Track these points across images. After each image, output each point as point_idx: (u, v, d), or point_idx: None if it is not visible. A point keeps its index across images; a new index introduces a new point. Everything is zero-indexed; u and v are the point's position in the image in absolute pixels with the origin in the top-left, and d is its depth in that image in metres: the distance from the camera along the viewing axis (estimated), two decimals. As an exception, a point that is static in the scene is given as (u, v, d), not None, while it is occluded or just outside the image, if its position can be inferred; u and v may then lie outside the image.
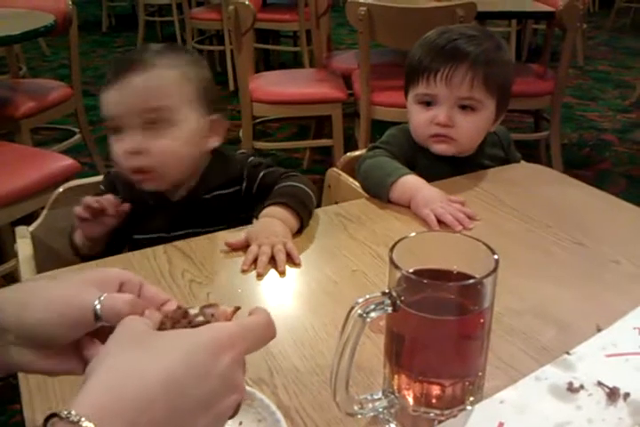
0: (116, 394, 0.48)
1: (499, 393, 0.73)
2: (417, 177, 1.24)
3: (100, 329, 0.60)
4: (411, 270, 0.65)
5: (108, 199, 1.18)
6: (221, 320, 0.58)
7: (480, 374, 0.70)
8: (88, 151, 3.05)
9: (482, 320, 0.67)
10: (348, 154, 1.50)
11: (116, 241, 1.28)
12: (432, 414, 0.69)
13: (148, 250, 1.09)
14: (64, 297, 0.60)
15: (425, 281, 0.64)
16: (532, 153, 3.18)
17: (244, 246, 1.08)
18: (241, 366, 0.55)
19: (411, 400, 0.70)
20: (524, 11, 3.12)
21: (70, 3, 2.82)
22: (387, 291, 0.66)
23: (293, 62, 5.18)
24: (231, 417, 0.54)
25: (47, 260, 1.21)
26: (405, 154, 1.35)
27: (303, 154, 3.50)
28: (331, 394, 0.67)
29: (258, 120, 3.14)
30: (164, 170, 1.18)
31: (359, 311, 0.64)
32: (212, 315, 0.58)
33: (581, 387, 0.73)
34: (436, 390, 0.68)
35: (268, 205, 1.16)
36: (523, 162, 1.46)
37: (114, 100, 1.15)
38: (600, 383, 0.73)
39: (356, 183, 1.33)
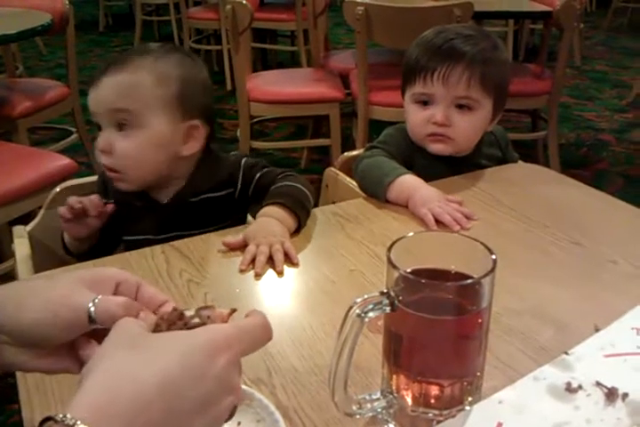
0: (111, 396, 0.47)
1: (497, 393, 0.73)
2: (415, 177, 1.24)
3: (97, 331, 0.60)
4: (409, 270, 0.65)
5: (92, 200, 1.19)
6: (217, 322, 0.58)
7: (478, 374, 0.70)
8: (85, 151, 3.04)
9: (480, 320, 0.67)
10: (346, 153, 1.50)
11: (108, 241, 1.29)
12: (430, 415, 0.69)
13: (146, 250, 1.09)
14: (58, 297, 0.59)
15: (423, 281, 0.64)
16: (529, 153, 3.18)
17: (241, 246, 1.08)
18: (237, 368, 0.54)
19: (409, 400, 0.70)
20: (521, 10, 3.11)
21: (67, 2, 2.81)
22: (385, 291, 0.66)
23: (291, 62, 5.18)
24: (227, 419, 0.54)
25: (44, 259, 1.21)
26: (403, 154, 1.35)
27: (301, 153, 3.50)
28: (329, 394, 0.67)
29: (255, 120, 3.14)
30: (126, 171, 1.18)
31: (357, 311, 0.64)
32: (208, 317, 0.58)
33: (580, 387, 0.73)
34: (434, 390, 0.68)
35: (266, 204, 1.16)
36: (520, 162, 1.46)
37: (92, 97, 1.17)
38: (598, 384, 0.73)
39: (354, 183, 1.33)
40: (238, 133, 3.02)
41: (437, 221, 1.14)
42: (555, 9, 2.69)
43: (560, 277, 1.00)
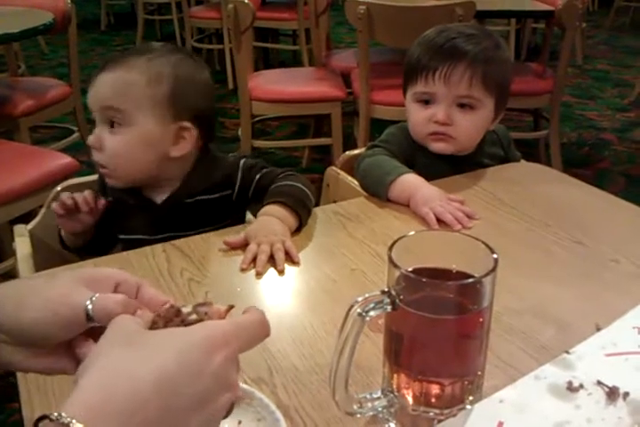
0: (107, 394, 0.47)
1: (498, 392, 0.73)
2: (416, 176, 1.24)
3: (96, 329, 0.60)
4: (410, 269, 0.65)
5: (83, 196, 1.20)
6: (215, 319, 0.58)
7: (479, 373, 0.70)
8: (86, 149, 3.02)
9: (481, 319, 0.67)
10: (347, 153, 1.50)
11: (105, 238, 1.29)
12: (431, 414, 0.69)
13: (147, 249, 1.09)
14: (58, 296, 0.59)
15: (424, 280, 0.63)
16: (531, 152, 3.17)
17: (242, 245, 1.08)
18: (234, 365, 0.54)
19: (410, 399, 0.69)
20: (524, 10, 3.11)
21: (69, 1, 2.82)
22: (386, 290, 0.66)
23: (292, 61, 5.17)
24: (226, 416, 0.54)
25: (45, 258, 1.21)
26: (404, 153, 1.35)
27: (302, 153, 3.50)
28: (330, 393, 0.67)
29: (257, 119, 3.14)
30: (115, 168, 1.19)
31: (358, 310, 0.64)
32: (206, 313, 0.58)
33: (581, 386, 0.73)
34: (435, 389, 0.68)
35: (267, 203, 1.16)
36: (522, 161, 1.46)
37: (89, 94, 1.18)
38: (599, 383, 0.73)
39: (355, 182, 1.33)
40: (240, 132, 3.02)
41: (439, 221, 1.14)
42: (557, 8, 2.68)
43: (561, 277, 1.00)
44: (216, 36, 5.20)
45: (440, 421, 0.69)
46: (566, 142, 3.71)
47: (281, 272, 1.02)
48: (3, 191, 1.96)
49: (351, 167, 1.37)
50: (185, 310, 0.58)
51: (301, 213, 1.14)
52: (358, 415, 0.71)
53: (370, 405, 0.71)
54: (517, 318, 0.88)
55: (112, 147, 1.17)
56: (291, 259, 1.05)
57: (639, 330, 0.83)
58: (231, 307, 0.60)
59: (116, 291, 0.62)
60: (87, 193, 1.22)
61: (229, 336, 0.54)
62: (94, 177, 1.34)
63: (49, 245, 1.29)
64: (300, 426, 0.71)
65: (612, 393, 0.71)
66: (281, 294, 0.99)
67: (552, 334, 0.85)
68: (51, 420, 0.46)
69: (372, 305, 0.64)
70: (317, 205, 1.26)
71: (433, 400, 0.69)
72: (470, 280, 0.65)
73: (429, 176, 1.26)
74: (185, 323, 0.57)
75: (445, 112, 1.29)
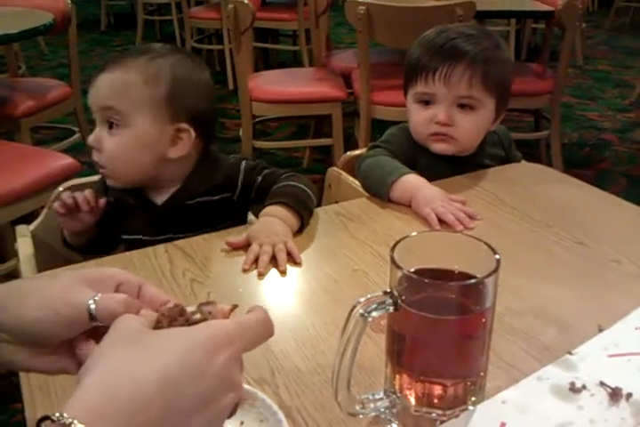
0: (109, 395, 0.47)
1: (500, 393, 0.73)
2: (418, 176, 1.24)
3: (97, 329, 0.60)
4: (412, 270, 0.65)
5: (84, 196, 1.21)
6: (219, 318, 0.58)
7: (482, 374, 0.70)
8: (87, 150, 3.01)
9: (483, 320, 0.67)
10: (349, 153, 1.50)
11: (107, 237, 1.30)
12: (434, 415, 0.69)
13: (149, 249, 1.09)
14: (59, 295, 0.59)
15: (426, 281, 0.64)
16: (532, 152, 3.17)
17: (244, 246, 1.08)
18: (238, 364, 0.54)
19: (412, 400, 0.69)
20: (524, 10, 3.11)
21: (69, 1, 2.82)
22: (388, 290, 0.66)
23: (293, 61, 5.17)
24: (229, 416, 0.54)
25: (47, 259, 1.21)
26: (405, 153, 1.35)
27: (303, 153, 3.50)
28: (332, 394, 0.67)
29: (257, 119, 3.14)
30: (113, 168, 1.20)
31: (361, 311, 0.64)
32: (210, 313, 0.58)
33: (583, 387, 0.73)
34: (437, 390, 0.68)
35: (269, 204, 1.16)
36: (523, 161, 1.46)
37: (89, 94, 1.18)
38: (602, 384, 0.73)
39: (357, 182, 1.33)
40: (240, 133, 3.02)
41: (440, 221, 1.14)
42: (557, 8, 2.68)
43: (563, 277, 1.00)
44: (216, 36, 5.20)
45: (442, 422, 0.69)
46: (567, 143, 3.71)
47: (283, 273, 1.02)
48: (4, 192, 1.96)
49: (352, 168, 1.37)
50: (189, 309, 0.58)
51: (303, 213, 1.14)
52: (361, 416, 0.71)
53: (372, 406, 0.71)
54: (519, 318, 0.88)
55: (110, 148, 1.17)
56: (293, 259, 1.05)
57: (641, 331, 0.83)
58: (235, 306, 0.60)
59: (117, 290, 0.62)
60: (88, 192, 1.22)
61: (233, 336, 0.53)
62: (95, 177, 1.34)
63: (51, 246, 1.30)
64: (302, 427, 0.71)
65: (615, 394, 0.71)
66: (283, 295, 0.99)
67: (554, 334, 0.85)
68: (52, 421, 0.46)
69: (374, 306, 0.65)
70: (319, 205, 1.26)
71: (435, 401, 0.69)
72: (472, 281, 0.65)
73: (430, 177, 1.25)
74: (189, 322, 0.57)
75: (446, 113, 1.29)
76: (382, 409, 0.71)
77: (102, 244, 1.30)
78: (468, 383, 0.69)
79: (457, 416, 0.69)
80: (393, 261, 0.65)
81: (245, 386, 0.70)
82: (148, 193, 1.25)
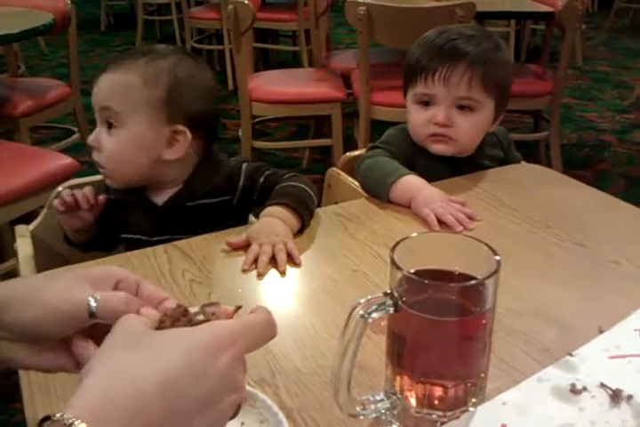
0: (110, 395, 0.47)
1: (501, 395, 0.73)
2: (417, 177, 1.24)
3: (96, 329, 0.60)
4: (412, 271, 0.65)
5: (83, 193, 1.21)
6: (222, 319, 0.58)
7: (482, 375, 0.70)
8: (87, 150, 3.02)
9: (484, 321, 0.67)
10: (348, 153, 1.50)
11: (108, 235, 1.30)
12: (434, 416, 0.69)
13: (148, 249, 1.09)
14: (59, 293, 0.60)
15: (426, 282, 0.63)
16: (531, 153, 3.18)
17: (244, 246, 1.08)
18: (241, 365, 0.54)
19: (413, 401, 0.69)
20: (523, 11, 3.11)
21: (69, 1, 2.82)
22: (388, 291, 0.66)
23: (292, 62, 5.18)
24: (232, 418, 0.54)
25: (47, 259, 1.21)
26: (404, 154, 1.35)
27: (302, 153, 3.50)
28: (332, 395, 0.67)
29: (257, 119, 3.14)
30: (111, 168, 1.20)
31: (361, 312, 0.64)
32: (213, 314, 0.58)
33: (584, 389, 0.73)
34: (438, 391, 0.68)
35: (269, 204, 1.15)
36: (522, 162, 1.46)
37: (92, 94, 1.19)
38: (603, 385, 0.73)
39: (356, 183, 1.33)
40: (240, 133, 3.02)
41: (440, 222, 1.14)
42: (557, 9, 2.68)
43: (562, 278, 1.00)
44: (216, 36, 5.20)
45: (443, 423, 0.69)
46: (566, 144, 3.71)
47: (282, 273, 1.02)
48: (3, 192, 1.96)
49: (352, 168, 1.37)
50: (192, 310, 0.58)
51: (304, 214, 1.14)
52: (361, 417, 0.70)
53: (372, 407, 0.70)
54: (519, 319, 0.88)
55: (108, 148, 1.18)
56: (292, 260, 1.04)
57: (641, 332, 0.83)
58: (239, 308, 0.60)
59: (116, 288, 0.62)
60: (87, 190, 1.22)
61: (236, 336, 0.53)
62: (94, 177, 1.33)
63: (50, 246, 1.29)
64: (302, 428, 0.71)
65: (616, 396, 0.71)
66: (282, 296, 0.99)
67: (554, 335, 0.85)
68: (53, 420, 0.46)
69: (374, 307, 0.64)
70: (318, 206, 1.25)
71: (436, 402, 0.69)
72: (473, 282, 0.65)
73: (429, 178, 1.25)
74: (192, 323, 0.57)
75: (445, 114, 1.29)
76: (383, 410, 0.71)
77: (103, 241, 1.31)
78: (469, 385, 0.69)
79: (457, 418, 0.69)
80: (393, 261, 0.65)
81: (246, 387, 0.70)
82: (149, 193, 1.25)
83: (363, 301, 0.64)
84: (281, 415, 0.69)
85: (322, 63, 3.31)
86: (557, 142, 3.00)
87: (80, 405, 0.46)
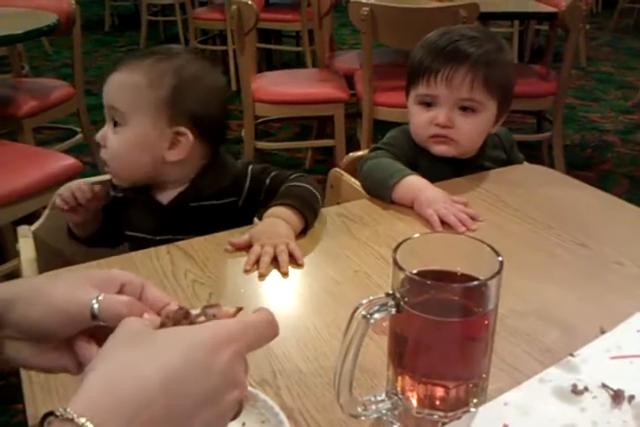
0: (112, 393, 0.47)
1: (503, 395, 0.73)
2: (420, 177, 1.24)
3: (98, 330, 0.60)
4: (414, 271, 0.65)
5: (80, 189, 1.23)
6: None
7: (484, 375, 0.70)
8: (90, 151, 3.04)
9: (486, 322, 0.67)
10: (351, 154, 1.50)
11: (113, 232, 1.32)
12: (436, 416, 0.69)
13: (151, 250, 1.09)
14: (62, 293, 0.60)
15: (429, 282, 0.63)
16: (534, 154, 3.17)
17: (246, 246, 1.08)
18: (242, 362, 0.54)
19: (414, 402, 0.69)
20: (527, 11, 3.12)
21: (73, 2, 2.82)
22: (390, 292, 0.66)
23: (296, 62, 5.18)
24: (235, 417, 0.54)
25: (49, 259, 1.21)
26: (406, 155, 1.35)
27: (305, 154, 3.50)
28: (334, 396, 0.67)
29: (260, 120, 3.14)
30: (115, 166, 1.21)
31: (363, 313, 0.64)
32: (214, 315, 0.58)
33: (586, 389, 0.73)
34: (439, 391, 0.68)
35: (273, 205, 1.15)
36: (525, 163, 1.46)
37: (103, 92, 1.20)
38: (604, 386, 0.73)
39: (359, 183, 1.33)
40: (243, 134, 3.02)
41: (443, 223, 1.14)
42: (560, 10, 2.68)
43: (565, 279, 0.99)
44: (220, 37, 5.21)
45: (444, 423, 0.69)
46: (569, 144, 3.71)
47: (284, 274, 1.02)
48: (6, 192, 1.96)
49: (354, 169, 1.37)
50: (194, 311, 0.58)
51: (307, 214, 1.14)
52: (362, 418, 0.70)
53: (374, 407, 0.70)
54: (521, 320, 0.88)
55: (113, 146, 1.19)
56: (294, 261, 1.04)
57: (644, 333, 0.83)
58: (240, 309, 0.60)
59: (121, 292, 0.63)
60: (81, 183, 1.24)
61: (237, 334, 0.53)
62: (97, 178, 1.34)
63: (52, 247, 1.30)
64: (303, 428, 0.71)
65: (617, 396, 0.71)
66: (284, 296, 0.99)
67: (556, 336, 0.85)
68: (55, 416, 0.46)
69: (376, 307, 0.64)
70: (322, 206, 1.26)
71: (437, 403, 0.69)
72: (475, 283, 0.65)
73: (431, 179, 1.25)
74: (193, 325, 0.57)
75: (446, 115, 1.29)
76: (384, 411, 0.71)
77: (107, 237, 1.32)
78: (471, 385, 0.69)
79: (459, 418, 0.69)
80: (395, 262, 0.65)
81: (248, 387, 0.70)
82: (155, 193, 1.25)
83: (365, 301, 0.64)
84: (282, 416, 0.69)
85: (325, 64, 3.32)
86: (560, 143, 3.00)
87: (82, 401, 0.47)
